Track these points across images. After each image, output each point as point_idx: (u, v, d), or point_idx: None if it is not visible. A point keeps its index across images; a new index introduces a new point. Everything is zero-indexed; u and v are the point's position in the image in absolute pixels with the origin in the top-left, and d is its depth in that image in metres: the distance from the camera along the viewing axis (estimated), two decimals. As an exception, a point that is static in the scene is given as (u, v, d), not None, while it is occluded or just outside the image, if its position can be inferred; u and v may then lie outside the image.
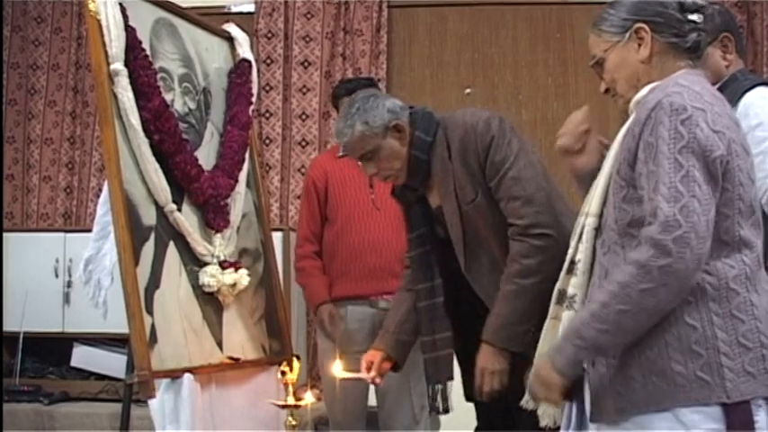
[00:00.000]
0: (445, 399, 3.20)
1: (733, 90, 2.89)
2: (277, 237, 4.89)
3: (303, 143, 6.18)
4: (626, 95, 2.35)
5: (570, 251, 2.37)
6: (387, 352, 3.26)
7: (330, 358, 3.91)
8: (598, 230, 2.28)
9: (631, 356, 2.11)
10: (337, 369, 3.31)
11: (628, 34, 2.33)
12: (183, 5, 3.61)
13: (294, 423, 3.22)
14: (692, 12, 2.34)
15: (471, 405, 3.27)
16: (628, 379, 2.11)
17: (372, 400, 4.19)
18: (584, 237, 2.31)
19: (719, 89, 2.90)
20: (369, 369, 3.23)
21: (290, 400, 3.26)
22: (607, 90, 2.41)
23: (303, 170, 6.09)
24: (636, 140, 2.15)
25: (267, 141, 6.17)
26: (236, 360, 3.39)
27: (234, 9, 6.37)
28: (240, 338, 3.47)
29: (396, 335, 3.29)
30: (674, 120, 2.08)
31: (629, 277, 2.05)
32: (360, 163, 3.18)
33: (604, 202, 2.26)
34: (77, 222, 6.24)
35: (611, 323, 2.08)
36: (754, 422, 2.07)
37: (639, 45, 2.32)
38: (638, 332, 2.08)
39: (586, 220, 2.31)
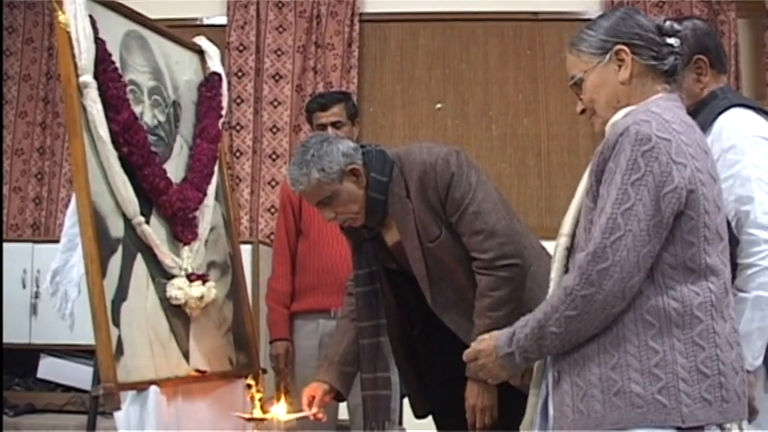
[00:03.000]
0: None
1: (710, 109, 2.90)
2: (247, 249, 4.90)
3: (274, 156, 6.19)
4: (605, 116, 2.38)
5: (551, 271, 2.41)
6: (331, 384, 3.27)
7: (305, 369, 4.04)
8: (570, 250, 2.31)
9: (594, 376, 2.14)
10: (280, 411, 3.28)
11: (608, 55, 2.36)
12: (155, 18, 3.62)
13: (260, 436, 3.22)
14: (670, 35, 2.38)
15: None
16: (589, 398, 2.14)
17: (343, 414, 4.21)
18: (556, 256, 2.35)
19: (696, 109, 2.93)
20: (310, 405, 3.22)
21: (257, 413, 3.26)
22: (583, 111, 2.44)
23: (273, 183, 6.10)
24: (602, 164, 2.19)
25: (238, 154, 6.18)
26: (203, 373, 3.39)
27: (206, 21, 6.39)
28: (207, 351, 3.46)
29: (340, 366, 3.30)
30: (636, 150, 2.12)
31: (558, 301, 2.14)
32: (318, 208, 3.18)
33: (577, 223, 2.30)
34: (47, 233, 6.22)
35: (547, 339, 2.18)
36: None
37: (620, 66, 2.35)
38: (576, 343, 2.17)
39: (559, 240, 2.35)
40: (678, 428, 2.08)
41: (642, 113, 2.20)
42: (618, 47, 2.35)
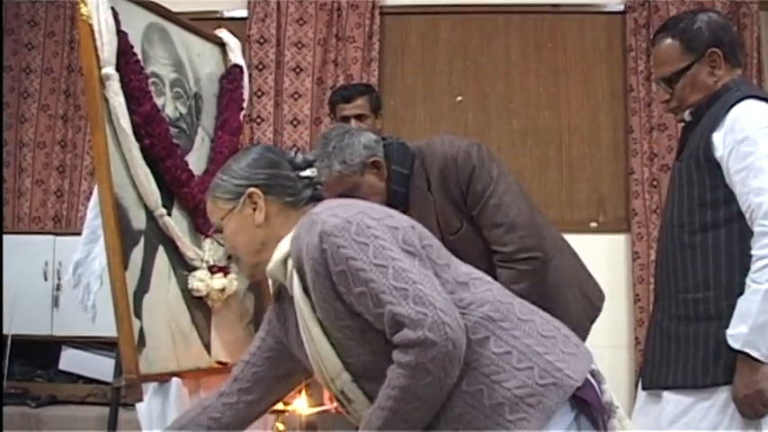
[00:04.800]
0: None
1: (724, 101, 2.88)
2: (267, 242, 4.89)
3: (294, 149, 6.17)
4: (249, 261, 2.35)
5: (354, 418, 2.28)
6: None
7: None
8: (358, 377, 2.21)
9: (473, 413, 2.05)
10: (302, 405, 3.26)
11: (242, 200, 2.32)
12: (177, 10, 3.62)
13: (282, 428, 3.23)
14: (304, 168, 2.37)
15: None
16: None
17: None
18: (350, 395, 2.24)
19: (710, 101, 2.92)
20: (332, 398, 3.21)
21: (279, 406, 3.26)
22: (229, 257, 2.46)
23: (294, 176, 6.10)
24: (327, 279, 2.10)
25: (258, 147, 6.17)
26: (225, 364, 3.39)
27: (226, 14, 6.39)
28: (228, 343, 3.46)
29: None
30: (348, 236, 2.07)
31: (407, 380, 2.00)
32: None
33: (342, 354, 2.19)
34: (68, 226, 6.25)
35: (411, 419, 2.05)
36: (598, 393, 2.16)
37: (254, 209, 2.32)
38: (439, 405, 2.05)
39: (337, 383, 2.24)
40: (578, 391, 2.06)
41: (313, 220, 2.14)
42: (249, 190, 2.32)
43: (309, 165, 2.39)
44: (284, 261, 2.23)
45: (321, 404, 3.23)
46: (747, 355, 2.70)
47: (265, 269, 2.31)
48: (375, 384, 2.11)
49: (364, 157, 3.06)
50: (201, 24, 3.87)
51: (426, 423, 2.07)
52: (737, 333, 2.71)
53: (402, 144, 3.17)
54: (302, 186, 2.35)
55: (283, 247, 2.24)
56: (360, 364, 2.17)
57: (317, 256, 2.09)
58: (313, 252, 2.10)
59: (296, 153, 2.40)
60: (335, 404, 3.15)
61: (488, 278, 2.25)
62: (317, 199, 2.35)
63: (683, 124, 3.08)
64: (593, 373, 2.19)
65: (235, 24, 5.94)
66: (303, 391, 3.27)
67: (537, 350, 2.08)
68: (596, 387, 2.18)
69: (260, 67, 6.25)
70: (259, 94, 6.22)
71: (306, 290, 2.16)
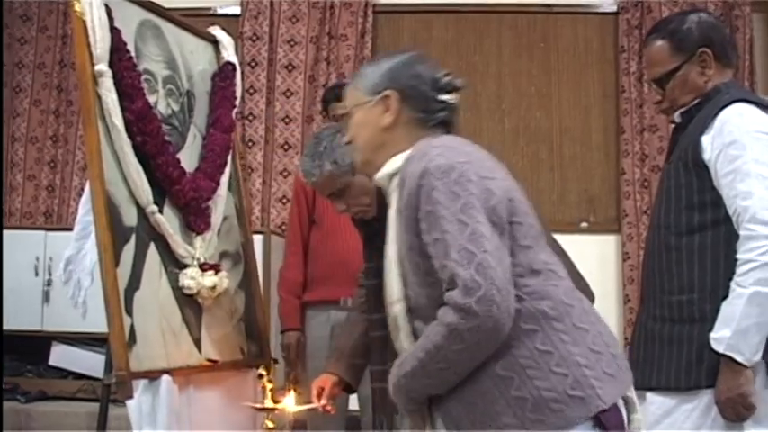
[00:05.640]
0: (391, 429, 3.21)
1: (713, 104, 2.88)
2: (258, 239, 4.90)
3: (286, 146, 6.20)
4: (363, 155, 2.37)
5: (396, 345, 2.30)
6: (340, 376, 3.25)
7: (317, 360, 4.07)
8: (412, 312, 2.23)
9: (498, 405, 2.06)
10: (290, 403, 3.27)
11: (377, 98, 2.33)
12: (169, 7, 3.62)
13: (271, 426, 3.23)
14: (446, 92, 2.36)
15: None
16: (504, 426, 2.06)
17: (354, 405, 4.22)
18: (399, 323, 2.25)
19: (700, 103, 2.93)
20: (319, 396, 3.22)
21: (268, 403, 3.27)
22: (349, 142, 2.43)
23: (285, 173, 6.12)
24: (415, 212, 2.13)
25: (250, 144, 6.19)
26: (215, 362, 3.40)
27: (219, 11, 6.40)
28: (219, 341, 3.47)
29: (350, 358, 3.27)
30: (446, 182, 2.08)
31: (442, 339, 2.03)
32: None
33: (406, 285, 2.22)
34: (59, 221, 6.25)
35: (435, 377, 2.09)
36: (623, 421, 2.13)
37: (386, 111, 2.33)
38: (467, 373, 2.08)
39: (393, 308, 2.25)
40: (601, 413, 2.04)
41: (429, 151, 2.16)
42: (388, 92, 2.32)
43: (452, 90, 2.37)
44: (392, 176, 2.26)
45: (309, 402, 3.23)
46: (730, 358, 2.70)
47: (374, 170, 2.34)
48: (422, 324, 2.15)
49: None
50: (195, 21, 3.87)
51: (448, 387, 2.10)
52: (721, 336, 2.72)
53: None
54: (438, 108, 2.34)
55: (396, 162, 2.26)
56: (416, 301, 2.19)
57: (413, 188, 2.12)
58: (412, 183, 2.13)
59: (445, 75, 2.39)
60: (323, 403, 3.17)
61: (563, 273, 2.22)
62: (447, 125, 2.36)
63: (673, 126, 3.09)
64: (627, 401, 2.18)
65: (228, 21, 5.96)
66: (292, 390, 3.27)
67: (578, 360, 2.07)
68: (624, 415, 2.16)
69: (252, 64, 6.26)
70: (251, 91, 6.23)
71: (399, 211, 2.20)
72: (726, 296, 2.74)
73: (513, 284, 2.04)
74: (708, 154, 2.82)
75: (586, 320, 2.15)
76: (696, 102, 2.95)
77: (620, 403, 2.14)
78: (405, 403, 2.21)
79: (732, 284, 2.73)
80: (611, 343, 2.16)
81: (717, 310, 2.75)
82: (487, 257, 2.00)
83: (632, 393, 2.20)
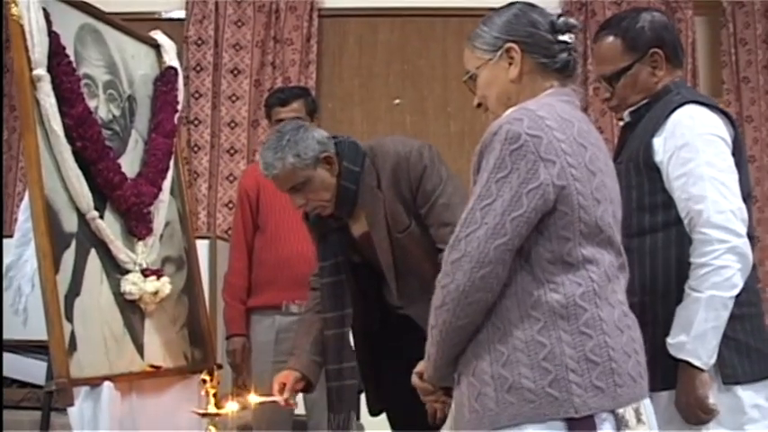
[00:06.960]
0: (347, 428, 3.23)
1: (664, 103, 2.87)
2: (204, 244, 4.88)
3: (232, 151, 6.17)
4: (496, 112, 2.36)
5: None
6: (302, 372, 3.27)
7: (261, 365, 4.09)
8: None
9: (486, 374, 2.12)
10: (252, 396, 3.28)
11: (499, 53, 2.34)
12: (114, 11, 3.60)
13: (214, 431, 3.22)
14: (564, 32, 2.37)
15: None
16: (483, 396, 2.12)
17: (301, 409, 4.21)
18: None
19: (650, 103, 2.93)
20: (281, 391, 3.23)
21: (211, 409, 3.26)
22: (479, 104, 2.43)
23: (231, 178, 6.09)
24: (477, 163, 2.19)
25: (196, 149, 6.16)
26: (158, 368, 3.38)
27: (164, 15, 6.37)
28: (162, 347, 3.46)
29: (310, 354, 3.31)
30: (505, 149, 2.11)
31: (434, 296, 2.15)
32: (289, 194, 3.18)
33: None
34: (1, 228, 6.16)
35: (434, 337, 2.19)
36: None
37: (510, 64, 2.34)
38: (457, 339, 2.16)
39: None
40: (572, 419, 2.06)
41: (517, 111, 2.18)
42: (508, 45, 2.34)
43: (570, 29, 2.38)
44: None
45: (270, 395, 3.24)
46: (688, 363, 2.70)
47: None
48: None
49: (317, 152, 3.09)
50: (139, 25, 3.86)
51: (459, 348, 2.18)
52: (678, 342, 2.71)
53: (353, 143, 3.21)
54: (558, 50, 2.35)
55: (508, 113, 2.25)
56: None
57: (487, 142, 2.16)
58: (486, 137, 2.16)
59: (559, 16, 2.39)
60: (285, 396, 3.19)
61: (595, 275, 2.17)
62: (570, 66, 2.37)
63: (621, 124, 3.08)
64: (618, 417, 2.14)
65: (172, 25, 5.92)
66: (232, 397, 3.29)
67: (567, 363, 2.08)
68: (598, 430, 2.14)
69: (198, 68, 6.22)
70: (197, 95, 6.19)
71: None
72: (678, 299, 2.73)
73: (497, 265, 2.08)
74: (660, 156, 2.80)
75: (595, 326, 2.13)
76: (646, 101, 2.95)
77: (605, 417, 2.11)
78: (434, 370, 2.28)
79: (687, 289, 2.71)
80: (617, 358, 2.14)
81: (668, 314, 2.74)
82: (482, 230, 2.08)
83: (627, 410, 2.16)
